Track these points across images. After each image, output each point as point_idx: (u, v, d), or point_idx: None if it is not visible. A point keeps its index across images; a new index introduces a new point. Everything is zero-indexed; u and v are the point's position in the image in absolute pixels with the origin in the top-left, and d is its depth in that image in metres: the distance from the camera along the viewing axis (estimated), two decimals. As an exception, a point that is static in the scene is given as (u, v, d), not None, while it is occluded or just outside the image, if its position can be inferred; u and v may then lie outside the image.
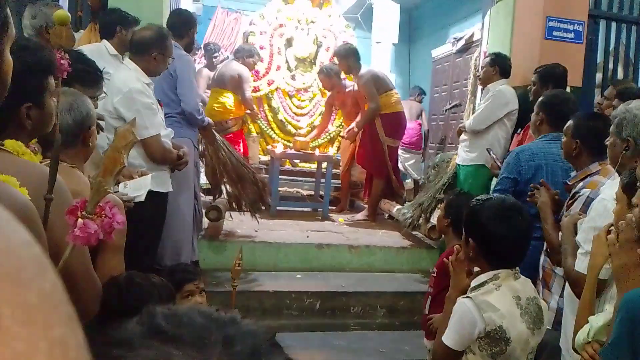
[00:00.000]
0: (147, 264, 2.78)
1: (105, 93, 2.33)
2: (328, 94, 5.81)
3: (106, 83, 2.67)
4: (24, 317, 0.23)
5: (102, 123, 2.62)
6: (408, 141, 6.67)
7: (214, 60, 6.32)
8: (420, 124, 7.09)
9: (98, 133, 2.63)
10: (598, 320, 1.49)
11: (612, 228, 1.58)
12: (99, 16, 3.37)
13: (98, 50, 3.13)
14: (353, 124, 5.11)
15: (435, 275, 2.24)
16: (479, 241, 1.65)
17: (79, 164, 1.66)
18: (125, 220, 1.66)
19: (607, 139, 1.90)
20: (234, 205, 3.83)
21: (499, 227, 1.60)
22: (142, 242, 2.55)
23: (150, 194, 2.27)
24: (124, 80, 2.57)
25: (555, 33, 3.66)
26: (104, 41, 3.17)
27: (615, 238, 1.32)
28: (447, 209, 2.31)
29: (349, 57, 5.02)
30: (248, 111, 5.33)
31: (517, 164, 2.57)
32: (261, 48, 5.92)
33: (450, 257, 1.84)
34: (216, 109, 4.90)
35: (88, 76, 2.13)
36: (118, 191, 2.02)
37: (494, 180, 3.27)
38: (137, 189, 2.16)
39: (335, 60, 5.34)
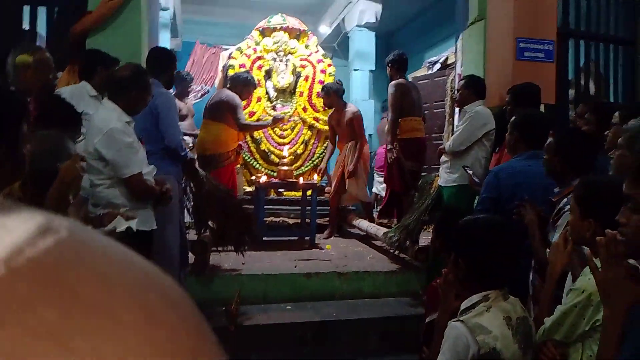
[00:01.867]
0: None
1: (83, 135, 2.33)
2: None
3: (86, 124, 2.68)
4: None
5: (83, 164, 2.63)
6: (379, 166, 6.73)
7: (189, 90, 6.32)
8: None
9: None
10: (547, 320, 1.57)
11: (569, 237, 1.65)
12: (78, 57, 3.39)
13: (78, 91, 3.15)
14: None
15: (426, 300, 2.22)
16: (468, 261, 1.66)
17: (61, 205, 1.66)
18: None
19: (615, 150, 1.95)
20: (219, 239, 3.80)
21: (488, 246, 1.62)
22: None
23: (134, 233, 2.26)
24: (104, 120, 2.57)
25: (526, 53, 3.77)
26: (84, 82, 3.19)
27: (606, 252, 1.33)
28: (437, 229, 2.32)
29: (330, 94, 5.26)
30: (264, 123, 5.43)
31: (496, 183, 2.60)
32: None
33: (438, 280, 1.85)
34: (209, 141, 4.80)
35: (67, 120, 2.14)
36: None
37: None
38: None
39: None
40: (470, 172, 3.27)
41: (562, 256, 1.71)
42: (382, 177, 6.63)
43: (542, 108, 3.75)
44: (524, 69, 3.74)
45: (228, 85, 5.22)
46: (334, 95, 5.45)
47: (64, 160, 1.54)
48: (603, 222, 1.51)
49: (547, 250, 2.09)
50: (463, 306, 1.66)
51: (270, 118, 5.64)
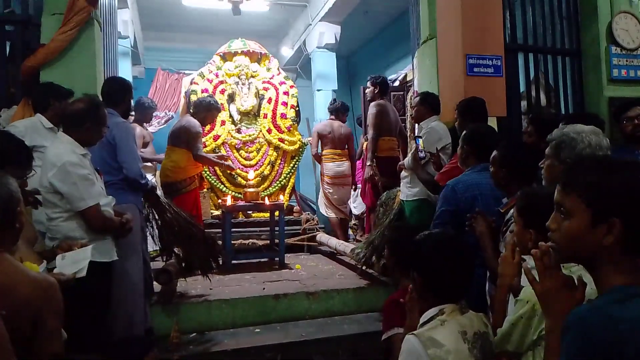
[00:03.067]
0: (95, 337, 2.70)
1: (35, 171, 2.31)
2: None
3: (41, 157, 2.66)
4: None
5: (39, 198, 2.60)
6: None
7: (151, 116, 6.29)
8: None
9: (36, 208, 2.62)
10: (498, 332, 1.61)
11: (517, 249, 1.70)
12: (32, 91, 3.37)
13: (32, 124, 3.12)
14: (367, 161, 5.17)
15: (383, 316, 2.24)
16: (422, 275, 1.70)
17: (8, 246, 1.64)
18: (61, 299, 1.64)
19: (543, 160, 2.02)
20: (185, 266, 3.77)
21: (439, 260, 1.66)
22: (88, 316, 2.48)
23: (93, 264, 2.24)
24: (58, 154, 2.56)
25: (475, 69, 3.90)
26: (38, 115, 3.17)
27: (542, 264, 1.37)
28: (391, 247, 2.35)
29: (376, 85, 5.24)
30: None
31: (454, 196, 2.65)
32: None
33: (404, 297, 1.87)
34: (170, 168, 4.78)
35: (18, 156, 2.13)
36: (54, 267, 1.99)
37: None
38: (75, 261, 2.12)
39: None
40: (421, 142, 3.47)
41: (511, 267, 1.75)
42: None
43: (494, 121, 3.89)
44: (475, 83, 3.87)
45: (191, 111, 5.21)
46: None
47: (1, 202, 1.53)
48: (544, 232, 1.58)
49: (499, 259, 2.16)
50: (421, 320, 1.69)
51: (220, 152, 5.95)
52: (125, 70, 6.64)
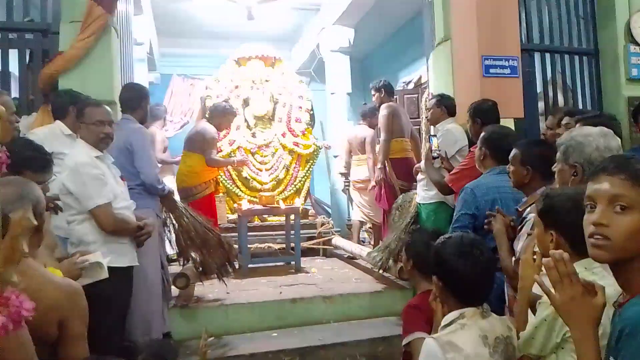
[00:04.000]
0: (116, 341, 2.72)
1: (55, 176, 2.34)
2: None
3: (60, 164, 2.69)
4: None
5: (59, 203, 2.63)
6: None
7: (164, 121, 6.31)
8: None
9: (56, 213, 2.65)
10: (521, 335, 1.57)
11: (536, 250, 1.67)
12: (51, 98, 3.42)
13: (52, 132, 3.16)
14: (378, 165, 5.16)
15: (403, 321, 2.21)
16: (443, 280, 1.68)
17: (32, 250, 1.66)
18: (86, 304, 1.66)
19: (555, 165, 2.01)
20: (202, 270, 3.79)
21: (460, 264, 1.64)
22: (108, 321, 2.50)
23: (109, 269, 2.26)
24: (72, 157, 2.61)
25: (492, 70, 3.87)
26: (58, 122, 3.21)
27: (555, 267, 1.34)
28: (407, 251, 2.32)
29: (381, 90, 5.22)
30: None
31: (474, 199, 2.62)
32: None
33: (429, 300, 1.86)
34: (185, 173, 4.84)
35: (37, 162, 2.16)
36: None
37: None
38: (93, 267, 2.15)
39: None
40: (442, 154, 3.44)
41: (531, 270, 1.72)
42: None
43: (511, 122, 3.85)
44: (491, 85, 3.83)
45: (207, 116, 5.25)
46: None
47: (26, 207, 1.55)
48: (564, 233, 1.55)
49: (514, 259, 2.14)
50: (442, 323, 1.68)
51: (236, 156, 5.93)
52: (141, 77, 6.70)
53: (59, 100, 3.28)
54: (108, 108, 2.83)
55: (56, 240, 2.42)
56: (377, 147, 5.44)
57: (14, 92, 3.80)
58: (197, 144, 4.85)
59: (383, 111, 5.08)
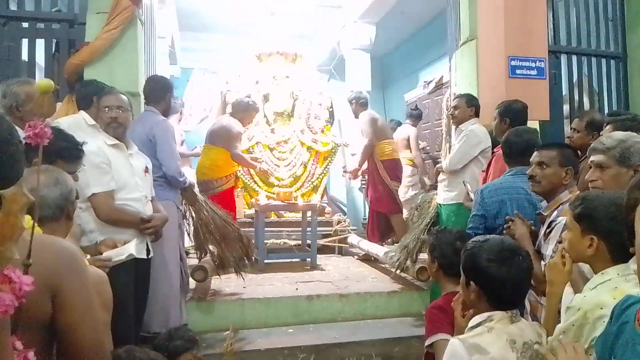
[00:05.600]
0: (135, 331, 2.74)
1: (84, 165, 2.35)
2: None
3: (84, 153, 2.71)
4: None
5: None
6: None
7: (182, 116, 6.36)
8: None
9: (79, 203, 2.66)
10: (549, 340, 1.55)
11: (565, 254, 1.63)
12: (76, 88, 3.44)
13: (76, 122, 3.18)
14: (355, 163, 5.66)
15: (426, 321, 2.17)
16: (479, 284, 1.63)
17: (60, 237, 1.67)
18: (111, 293, 1.66)
19: (591, 173, 1.96)
20: (219, 264, 3.79)
21: (502, 270, 1.59)
22: (126, 311, 2.52)
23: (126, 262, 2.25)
24: (87, 146, 2.62)
25: (518, 71, 3.82)
26: (82, 112, 3.22)
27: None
28: (432, 252, 2.28)
29: (352, 101, 5.67)
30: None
31: (482, 200, 2.65)
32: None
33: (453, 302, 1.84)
34: (207, 166, 4.88)
35: (69, 152, 2.17)
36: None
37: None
38: (119, 255, 2.16)
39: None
40: (469, 186, 3.31)
41: (561, 275, 1.69)
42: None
43: (536, 124, 3.79)
44: (517, 86, 3.78)
45: (230, 112, 5.27)
46: (355, 104, 5.71)
47: (66, 191, 1.56)
48: (606, 239, 1.51)
49: (542, 263, 2.10)
50: (469, 325, 1.65)
51: (254, 152, 6.03)
52: (163, 70, 6.73)
53: (83, 91, 3.31)
54: (122, 96, 2.84)
55: (80, 229, 2.43)
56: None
57: (40, 82, 3.84)
58: (221, 138, 4.89)
59: (363, 118, 5.49)
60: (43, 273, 1.10)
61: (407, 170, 6.17)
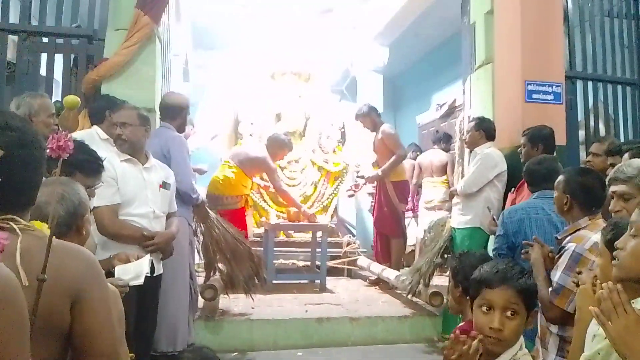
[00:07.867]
0: (143, 350, 2.69)
1: (102, 182, 2.33)
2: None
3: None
4: None
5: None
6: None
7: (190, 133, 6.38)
8: None
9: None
10: None
11: (597, 281, 1.59)
12: (89, 103, 3.46)
13: (89, 136, 3.18)
14: (378, 170, 5.29)
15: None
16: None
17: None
18: (123, 308, 1.63)
19: (615, 202, 1.93)
20: (229, 283, 3.74)
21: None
22: (137, 329, 2.47)
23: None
24: None
25: (535, 96, 3.79)
26: (95, 126, 3.23)
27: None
28: (455, 276, 2.22)
29: (371, 113, 5.39)
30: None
31: (502, 221, 2.74)
32: (251, 124, 6.08)
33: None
34: (220, 181, 4.92)
35: (89, 165, 2.15)
36: (113, 277, 1.98)
37: (491, 240, 3.29)
38: (134, 272, 2.11)
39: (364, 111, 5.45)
40: (492, 212, 3.32)
41: (590, 301, 1.64)
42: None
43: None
44: (533, 111, 3.75)
45: (265, 144, 5.30)
46: (373, 114, 5.44)
47: (72, 207, 1.54)
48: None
49: (550, 289, 2.06)
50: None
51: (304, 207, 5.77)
52: (177, 87, 6.79)
53: (96, 105, 3.33)
54: (132, 111, 2.83)
55: (95, 244, 2.40)
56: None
57: (56, 97, 3.86)
58: (252, 165, 5.05)
59: (390, 130, 5.30)
60: (68, 278, 1.10)
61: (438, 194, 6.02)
